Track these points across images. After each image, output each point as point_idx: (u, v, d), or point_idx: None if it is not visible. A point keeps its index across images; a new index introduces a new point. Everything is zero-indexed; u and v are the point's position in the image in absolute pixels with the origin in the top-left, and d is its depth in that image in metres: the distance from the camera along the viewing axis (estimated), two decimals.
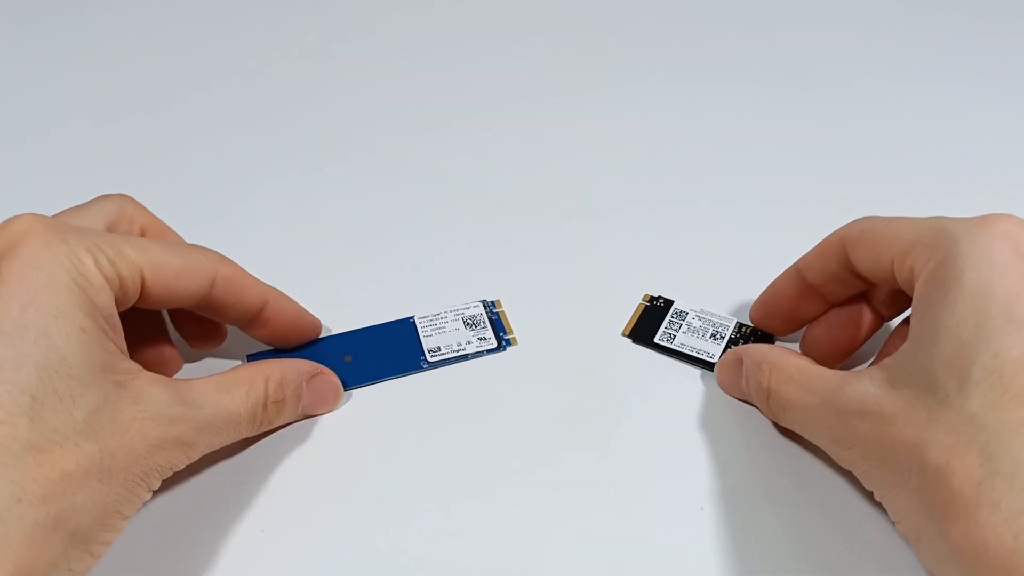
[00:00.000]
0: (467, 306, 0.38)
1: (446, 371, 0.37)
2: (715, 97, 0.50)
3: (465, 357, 0.37)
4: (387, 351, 0.37)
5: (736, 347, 0.35)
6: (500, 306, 0.39)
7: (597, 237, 0.43)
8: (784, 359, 0.32)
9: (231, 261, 0.33)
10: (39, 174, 0.45)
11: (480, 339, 0.37)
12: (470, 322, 0.38)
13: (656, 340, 0.37)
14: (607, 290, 0.40)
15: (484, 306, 0.38)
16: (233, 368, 0.32)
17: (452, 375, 0.37)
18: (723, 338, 0.37)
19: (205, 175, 0.46)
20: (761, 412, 0.33)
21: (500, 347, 0.37)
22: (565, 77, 0.51)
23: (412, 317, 0.38)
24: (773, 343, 0.37)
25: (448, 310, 0.38)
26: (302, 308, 0.36)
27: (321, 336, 0.37)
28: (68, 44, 0.53)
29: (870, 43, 0.53)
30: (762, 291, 0.37)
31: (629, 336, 0.37)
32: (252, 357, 0.37)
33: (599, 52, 0.52)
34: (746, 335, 0.37)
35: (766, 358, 0.32)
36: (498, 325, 0.38)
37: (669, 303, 0.39)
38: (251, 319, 0.34)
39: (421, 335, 0.37)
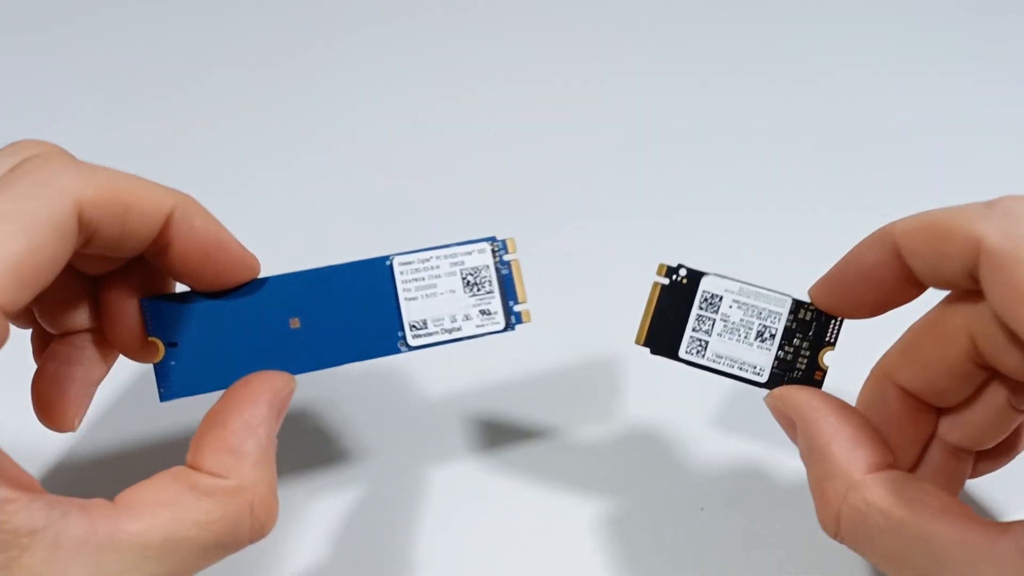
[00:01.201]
0: (468, 248, 0.27)
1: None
2: (716, 92, 0.48)
3: (459, 340, 0.26)
4: (350, 314, 0.26)
5: (781, 396, 0.26)
6: (512, 250, 0.27)
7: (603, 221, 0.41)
8: (859, 468, 0.23)
9: (106, 170, 0.22)
10: None
11: (483, 313, 0.26)
12: (471, 279, 0.27)
13: (682, 355, 0.27)
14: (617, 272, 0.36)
15: (492, 251, 0.27)
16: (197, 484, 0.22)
17: (436, 354, 0.27)
18: (773, 337, 0.27)
19: (202, 165, 0.44)
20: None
21: (508, 327, 0.27)
22: (562, 71, 0.49)
23: (389, 258, 0.26)
24: (840, 326, 0.27)
25: (440, 251, 0.27)
26: (228, 233, 0.25)
27: (265, 277, 0.26)
28: (65, 37, 0.49)
29: (882, 35, 0.51)
30: (835, 264, 0.26)
31: (644, 345, 0.27)
32: (150, 302, 0.25)
33: (599, 48, 0.50)
34: (806, 323, 0.27)
35: (832, 465, 0.23)
36: (508, 286, 0.27)
37: (696, 277, 0.27)
38: (155, 241, 0.23)
39: (401, 294, 0.26)
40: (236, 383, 0.24)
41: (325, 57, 0.49)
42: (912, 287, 0.24)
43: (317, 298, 0.26)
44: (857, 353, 0.27)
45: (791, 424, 0.25)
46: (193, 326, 0.25)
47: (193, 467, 0.22)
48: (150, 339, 0.25)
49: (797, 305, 0.27)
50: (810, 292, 0.27)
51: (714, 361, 0.27)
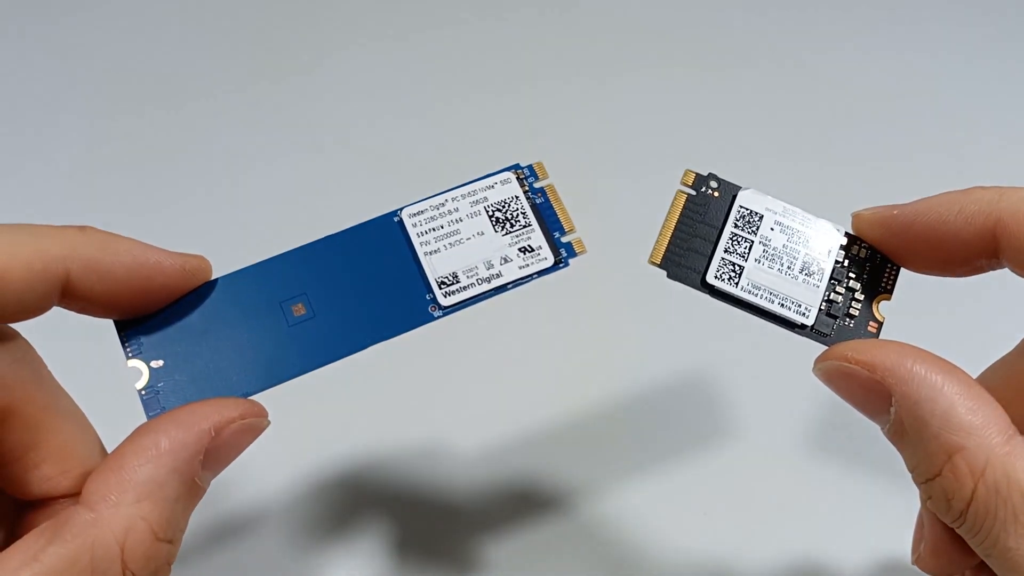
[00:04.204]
0: (488, 182, 0.22)
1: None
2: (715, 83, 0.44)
3: (503, 288, 0.21)
4: (363, 287, 0.21)
5: (860, 355, 0.20)
6: (543, 175, 0.22)
7: None
8: (997, 436, 0.18)
9: None
10: (30, 176, 0.41)
11: (524, 251, 0.21)
12: (500, 216, 0.22)
13: (711, 279, 0.21)
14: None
15: (519, 180, 0.22)
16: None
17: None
18: (822, 272, 0.22)
19: (196, 165, 0.41)
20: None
21: (560, 262, 0.21)
22: (557, 60, 0.45)
23: (397, 212, 0.22)
24: (898, 272, 0.22)
25: (455, 192, 0.22)
26: (153, 250, 0.20)
27: (255, 263, 0.21)
28: (58, 43, 0.46)
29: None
30: (905, 206, 0.22)
31: (661, 266, 0.22)
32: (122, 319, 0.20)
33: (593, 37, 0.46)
34: (860, 262, 0.22)
35: (962, 434, 0.18)
36: (549, 216, 0.22)
37: (731, 190, 0.22)
38: (62, 299, 0.19)
39: (418, 248, 0.21)
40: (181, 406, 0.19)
41: (320, 56, 0.46)
42: (990, 265, 0.21)
43: (319, 276, 0.21)
44: (914, 309, 0.23)
45: (873, 394, 0.20)
46: (179, 337, 0.20)
47: (80, 498, 0.18)
48: (130, 363, 0.20)
49: (851, 239, 0.22)
50: (856, 216, 0.22)
51: (750, 292, 0.21)
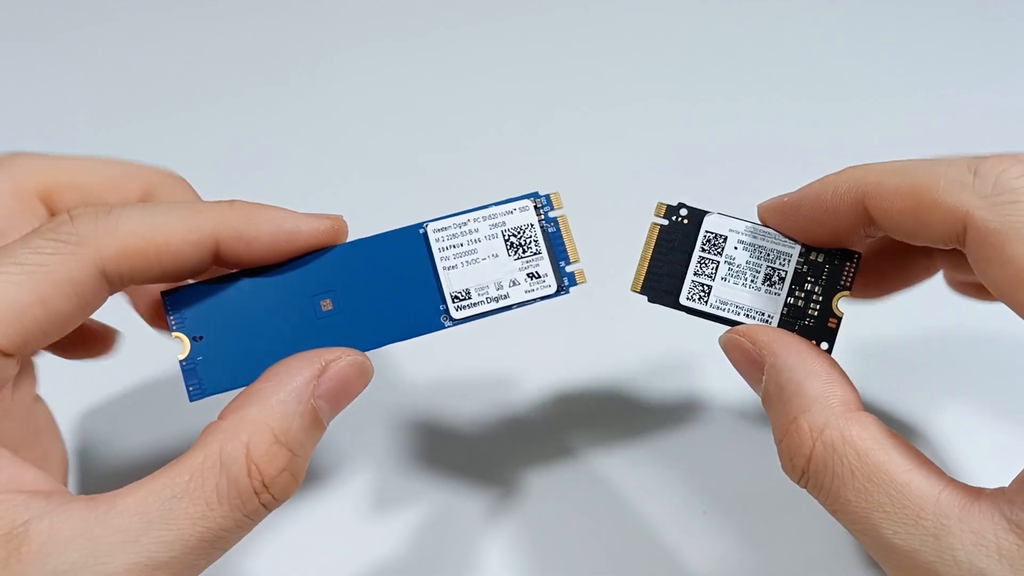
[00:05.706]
0: (508, 207, 0.24)
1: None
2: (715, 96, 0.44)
3: (508, 308, 0.24)
4: (385, 291, 0.24)
5: (746, 332, 0.24)
6: (559, 205, 0.25)
7: None
8: (839, 405, 0.21)
9: (134, 213, 0.22)
10: None
11: (531, 277, 0.24)
12: (515, 240, 0.24)
13: (683, 301, 0.25)
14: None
15: (536, 208, 0.24)
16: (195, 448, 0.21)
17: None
18: (783, 280, 0.25)
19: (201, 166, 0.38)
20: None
21: (561, 290, 0.24)
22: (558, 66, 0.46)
23: (423, 225, 0.24)
24: (857, 269, 0.25)
25: (478, 212, 0.24)
26: (293, 216, 0.23)
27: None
28: (64, 38, 0.48)
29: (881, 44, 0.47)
30: (793, 193, 0.24)
31: (641, 292, 0.25)
32: (171, 296, 0.23)
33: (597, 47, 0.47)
34: (818, 266, 0.25)
35: (809, 400, 0.21)
36: (557, 245, 0.24)
37: (698, 217, 0.25)
38: (215, 261, 0.23)
39: (438, 263, 0.24)
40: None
41: (326, 53, 0.47)
42: (874, 233, 0.24)
43: (348, 276, 0.24)
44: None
45: (753, 364, 0.23)
46: (219, 316, 0.23)
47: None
48: (174, 335, 0.23)
49: (808, 247, 0.25)
50: (759, 207, 0.25)
51: (718, 308, 0.25)
